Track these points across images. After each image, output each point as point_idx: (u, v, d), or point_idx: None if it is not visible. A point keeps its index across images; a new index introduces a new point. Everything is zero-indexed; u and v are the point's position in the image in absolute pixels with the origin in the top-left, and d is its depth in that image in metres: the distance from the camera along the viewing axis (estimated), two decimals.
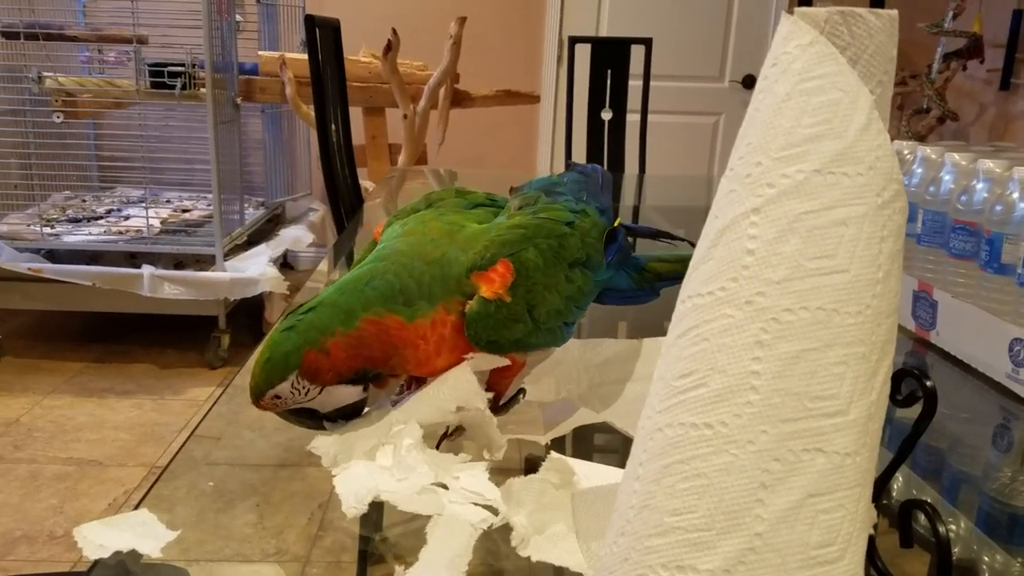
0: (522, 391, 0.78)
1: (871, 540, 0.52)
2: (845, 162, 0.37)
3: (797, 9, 0.40)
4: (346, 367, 0.67)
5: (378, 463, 0.64)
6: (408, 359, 0.69)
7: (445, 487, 0.62)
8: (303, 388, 0.66)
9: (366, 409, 0.72)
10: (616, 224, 0.82)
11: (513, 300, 0.69)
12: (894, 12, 0.39)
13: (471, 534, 0.57)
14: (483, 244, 0.71)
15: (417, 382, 0.76)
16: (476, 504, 0.60)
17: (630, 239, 0.88)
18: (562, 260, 0.73)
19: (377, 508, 0.61)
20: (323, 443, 0.67)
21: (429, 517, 0.59)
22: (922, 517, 0.57)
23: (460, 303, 0.69)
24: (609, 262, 0.79)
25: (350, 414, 0.71)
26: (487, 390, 0.75)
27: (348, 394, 0.69)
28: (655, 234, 0.93)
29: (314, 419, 0.70)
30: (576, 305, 0.75)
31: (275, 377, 0.66)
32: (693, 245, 0.84)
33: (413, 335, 0.68)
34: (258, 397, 0.67)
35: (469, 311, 0.68)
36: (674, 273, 0.87)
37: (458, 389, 0.68)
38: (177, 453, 0.70)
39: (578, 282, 0.74)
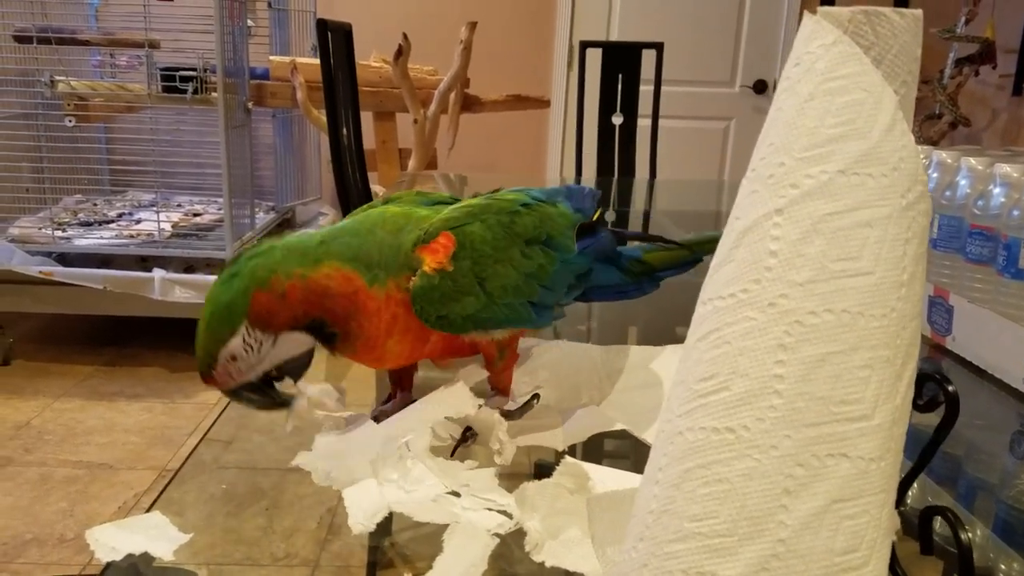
0: (536, 396, 0.77)
1: (892, 547, 0.51)
2: (869, 163, 0.37)
3: (820, 8, 0.39)
4: (302, 311, 0.63)
5: (383, 476, 0.63)
6: (364, 328, 0.66)
7: (457, 495, 0.61)
8: (256, 341, 0.62)
9: (345, 413, 0.70)
10: (595, 217, 0.81)
11: (456, 270, 0.67)
12: (918, 12, 0.39)
13: (487, 544, 0.56)
14: (430, 221, 0.70)
15: (401, 392, 0.76)
16: (490, 509, 0.60)
17: (631, 244, 0.87)
18: (515, 235, 0.71)
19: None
20: (310, 459, 0.65)
21: (440, 523, 0.58)
22: (939, 524, 0.56)
23: (408, 279, 0.67)
24: (585, 250, 0.78)
25: (299, 368, 0.66)
26: (492, 391, 0.75)
27: (300, 342, 0.65)
28: (643, 238, 0.93)
29: (266, 393, 0.65)
30: (542, 284, 0.73)
31: (223, 331, 0.61)
32: (675, 244, 0.85)
33: (371, 302, 0.65)
34: (209, 365, 0.62)
35: (413, 286, 0.66)
36: (676, 261, 0.87)
37: (451, 398, 0.67)
38: (188, 457, 0.70)
39: (538, 260, 0.72)
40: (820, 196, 0.37)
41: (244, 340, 0.61)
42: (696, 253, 0.88)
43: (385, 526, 0.61)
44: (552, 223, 0.75)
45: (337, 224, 0.71)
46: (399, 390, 0.77)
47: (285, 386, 0.66)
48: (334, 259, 0.64)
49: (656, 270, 0.87)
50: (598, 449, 0.75)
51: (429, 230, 0.69)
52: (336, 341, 0.66)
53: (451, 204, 0.77)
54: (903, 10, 0.38)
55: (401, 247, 0.67)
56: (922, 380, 0.46)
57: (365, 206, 0.77)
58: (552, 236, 0.74)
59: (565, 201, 0.80)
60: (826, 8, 0.39)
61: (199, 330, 0.62)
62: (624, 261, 0.85)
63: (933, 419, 0.47)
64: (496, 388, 0.75)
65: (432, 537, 0.61)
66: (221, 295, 0.62)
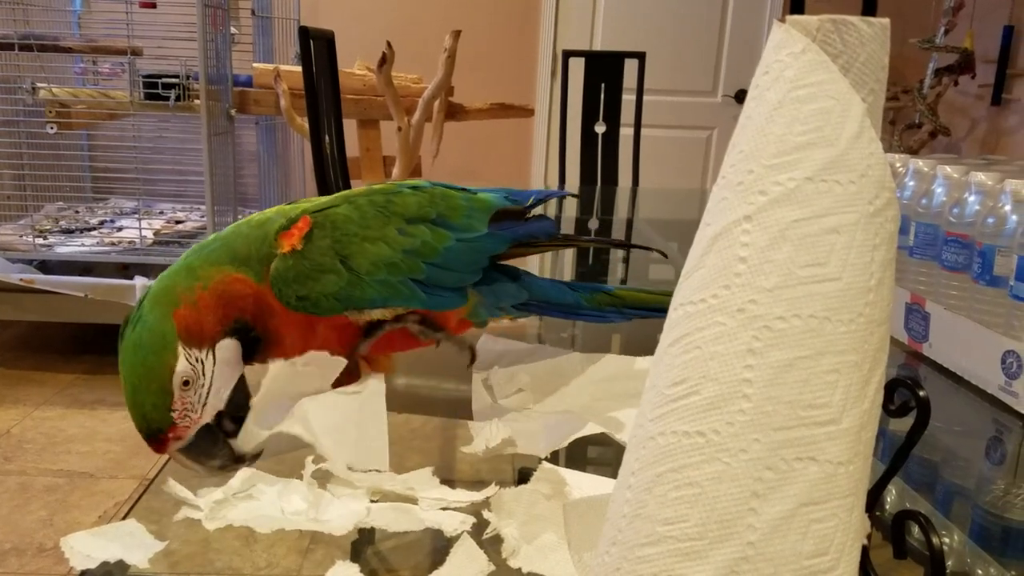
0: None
1: (864, 551, 0.52)
2: (837, 170, 0.37)
3: (789, 17, 0.40)
4: (223, 314, 0.63)
5: (291, 508, 0.61)
6: (276, 324, 0.66)
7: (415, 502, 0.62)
8: (197, 360, 0.61)
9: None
10: (528, 206, 0.81)
11: (311, 249, 0.66)
12: (886, 20, 0.39)
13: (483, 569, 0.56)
14: (297, 209, 0.70)
15: None
16: (446, 508, 0.60)
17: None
18: (391, 214, 0.70)
19: None
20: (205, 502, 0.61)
21: (422, 530, 0.59)
22: (915, 529, 0.57)
23: None
24: (502, 232, 0.76)
25: (241, 399, 0.65)
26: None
27: (232, 347, 0.64)
28: (593, 242, 0.93)
29: (221, 443, 0.64)
30: (428, 262, 0.71)
31: (165, 358, 0.60)
32: (623, 246, 0.86)
33: (265, 299, 0.66)
34: (167, 407, 0.60)
35: (271, 270, 0.66)
36: (650, 304, 0.86)
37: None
38: (164, 464, 0.69)
39: (422, 237, 0.71)
40: (788, 203, 0.37)
41: (187, 360, 0.61)
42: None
43: (368, 535, 0.61)
44: (449, 202, 0.74)
45: (201, 242, 0.70)
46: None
47: (244, 439, 0.64)
48: (219, 263, 0.65)
49: (626, 306, 0.86)
50: (580, 454, 0.75)
51: (291, 216, 0.69)
52: (259, 346, 0.66)
53: None
54: (871, 19, 0.39)
55: (266, 238, 0.67)
56: (893, 385, 0.46)
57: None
58: (446, 215, 0.73)
59: (497, 192, 0.80)
60: (795, 17, 0.39)
61: (135, 386, 0.60)
62: (585, 290, 0.85)
63: (908, 425, 0.48)
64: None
65: (414, 545, 0.61)
66: (142, 334, 0.61)
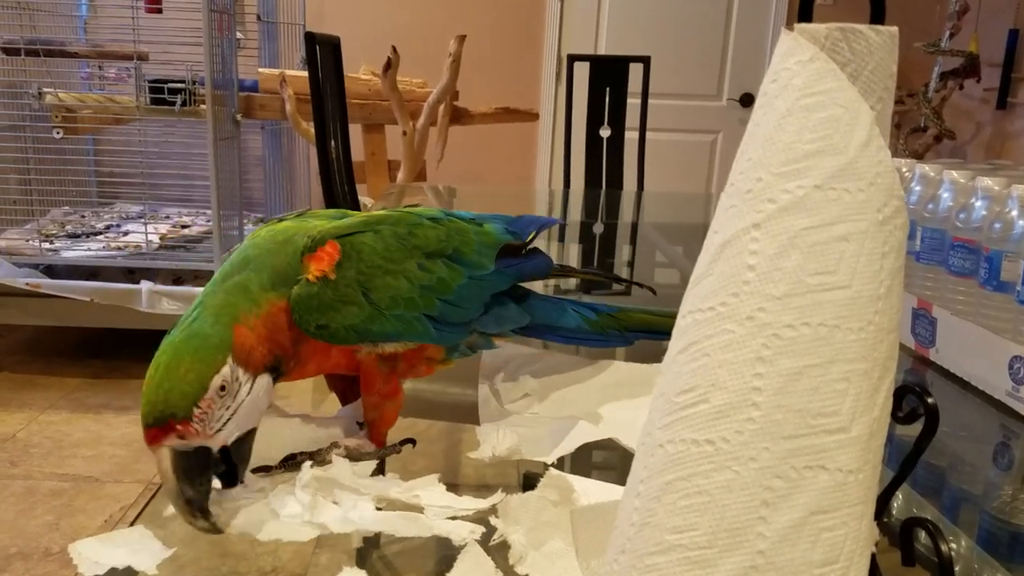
0: (411, 441, 0.72)
1: (873, 558, 0.52)
2: (846, 178, 0.37)
3: (797, 25, 0.40)
4: (269, 348, 0.62)
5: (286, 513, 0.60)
6: (302, 352, 0.65)
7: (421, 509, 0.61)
8: (237, 379, 0.59)
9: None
10: (528, 241, 0.80)
11: (339, 278, 0.65)
12: (894, 29, 0.39)
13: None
14: (319, 229, 0.68)
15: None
16: (454, 518, 0.60)
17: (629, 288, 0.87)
18: (413, 248, 0.69)
19: None
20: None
21: (428, 536, 0.59)
22: (923, 535, 0.57)
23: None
24: (507, 269, 0.76)
25: (247, 450, 0.62)
26: (362, 426, 0.72)
27: (267, 387, 0.62)
28: (593, 275, 0.90)
29: (207, 483, 0.58)
30: (442, 299, 0.70)
31: (216, 356, 0.58)
32: (618, 280, 0.83)
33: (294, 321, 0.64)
34: (194, 399, 0.56)
35: (293, 294, 0.64)
36: (655, 327, 0.85)
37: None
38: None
39: (440, 273, 0.70)
40: (797, 211, 0.37)
41: (232, 373, 0.58)
42: None
43: (374, 540, 0.61)
44: (463, 237, 0.73)
45: (234, 255, 0.68)
46: (343, 404, 0.76)
47: (248, 485, 0.62)
48: (262, 291, 0.63)
49: (629, 329, 0.85)
50: (586, 460, 0.75)
51: (316, 237, 0.67)
52: (280, 377, 0.65)
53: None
54: (879, 27, 0.39)
55: (294, 257, 0.66)
56: (902, 392, 0.46)
57: (253, 232, 0.74)
58: (461, 251, 0.72)
59: (498, 221, 0.78)
60: (803, 25, 0.39)
61: (170, 367, 0.57)
62: (588, 311, 0.84)
63: (916, 431, 0.47)
64: (369, 428, 0.71)
65: (420, 550, 0.61)
66: (198, 333, 0.59)
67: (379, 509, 0.61)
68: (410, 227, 0.70)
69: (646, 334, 0.86)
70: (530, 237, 0.81)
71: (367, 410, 0.70)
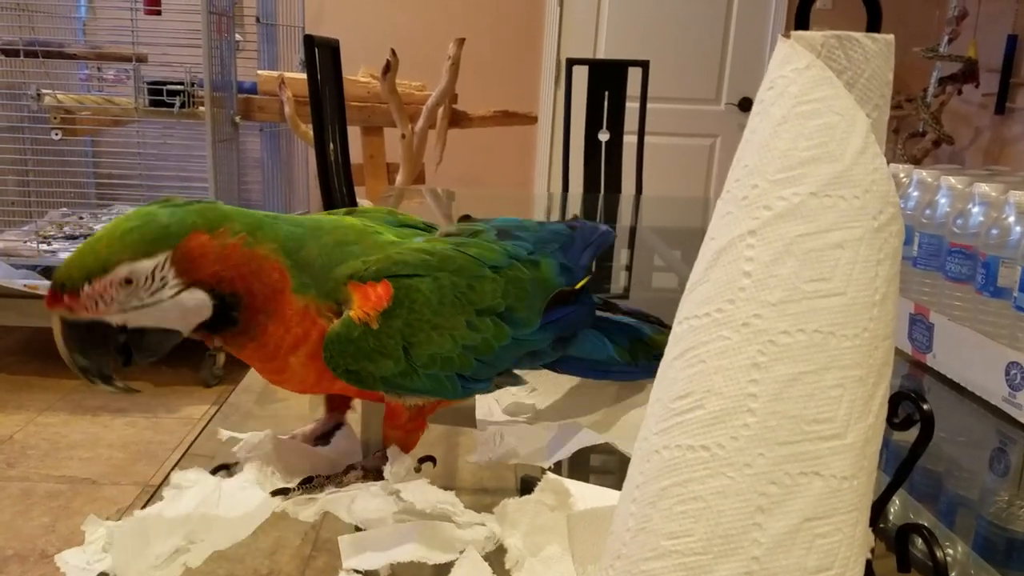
0: (431, 460, 0.69)
1: (868, 564, 0.52)
2: (841, 185, 0.37)
3: (794, 33, 0.40)
4: (228, 276, 0.57)
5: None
6: (269, 330, 0.59)
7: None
8: (161, 280, 0.55)
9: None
10: (579, 287, 0.71)
11: (382, 329, 0.59)
12: (890, 36, 0.39)
13: None
14: (377, 255, 0.62)
15: (329, 413, 0.72)
16: (472, 524, 0.60)
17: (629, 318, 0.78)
18: (467, 303, 0.63)
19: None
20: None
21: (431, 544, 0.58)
22: (919, 541, 0.57)
23: (330, 309, 0.60)
24: (549, 324, 0.68)
25: (159, 345, 0.58)
26: (380, 448, 0.67)
27: (197, 306, 0.57)
28: (633, 314, 0.80)
29: (104, 350, 0.56)
30: (479, 359, 0.64)
31: (140, 247, 0.54)
32: (662, 324, 0.77)
33: (288, 308, 0.59)
34: (87, 277, 0.53)
35: (330, 330, 0.59)
36: None
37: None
38: (171, 472, 0.69)
39: (487, 333, 0.64)
40: (793, 218, 0.37)
41: (154, 270, 0.54)
42: None
43: None
44: (519, 291, 0.66)
45: (303, 216, 0.64)
46: (329, 410, 0.73)
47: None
48: (276, 243, 0.59)
49: (656, 356, 0.75)
50: (584, 465, 0.75)
51: (371, 267, 0.61)
52: (232, 328, 0.59)
53: (423, 231, 0.70)
54: (875, 35, 0.39)
55: (337, 269, 0.61)
56: (897, 399, 0.46)
57: (325, 212, 0.70)
58: (513, 308, 0.65)
59: (555, 255, 0.70)
60: (799, 32, 0.40)
61: (101, 234, 0.54)
62: (621, 338, 0.76)
63: (912, 437, 0.48)
64: (389, 445, 0.67)
65: None
66: (159, 214, 0.55)
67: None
68: (470, 280, 0.63)
69: None
70: (584, 279, 0.72)
71: (387, 437, 0.67)
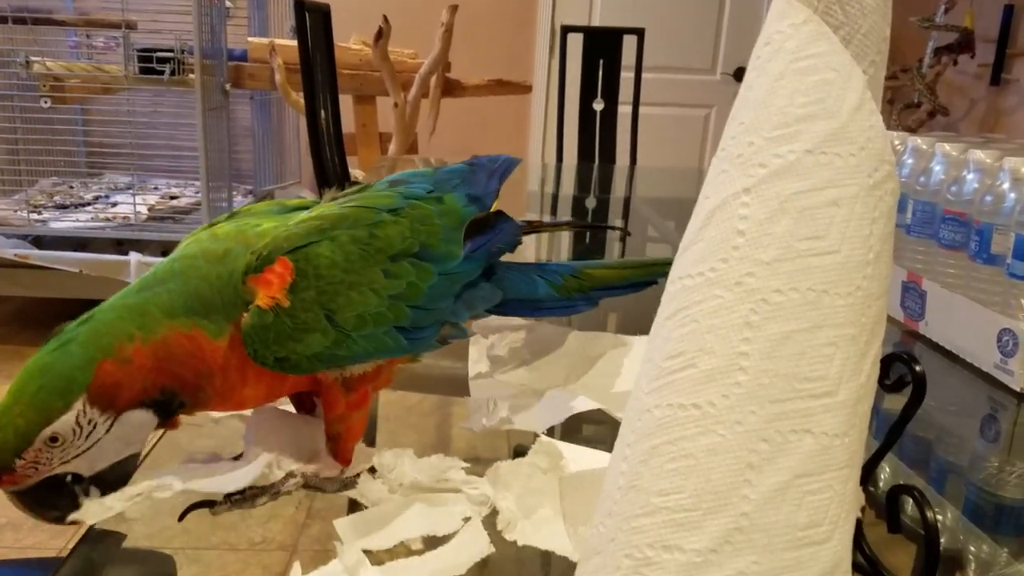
0: (371, 470, 0.64)
1: (859, 525, 0.52)
2: (837, 142, 0.37)
3: None
4: (151, 382, 0.54)
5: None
6: (217, 388, 0.57)
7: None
8: (90, 422, 0.52)
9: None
10: (493, 211, 0.70)
11: (295, 305, 0.56)
12: None
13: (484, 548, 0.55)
14: (263, 241, 0.58)
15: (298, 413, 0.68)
16: (463, 490, 0.60)
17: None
18: (377, 252, 0.60)
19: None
20: None
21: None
22: (910, 506, 0.57)
23: (242, 316, 0.56)
24: (476, 252, 0.67)
25: (121, 476, 0.56)
26: (327, 448, 0.63)
27: (140, 424, 0.55)
28: (558, 226, 0.83)
29: (66, 495, 0.54)
30: (412, 305, 0.61)
31: (53, 406, 0.51)
32: (588, 227, 0.78)
33: (218, 357, 0.56)
34: (17, 452, 0.50)
35: (244, 326, 0.56)
36: (623, 281, 0.80)
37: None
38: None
39: (409, 276, 0.61)
40: (788, 175, 0.37)
41: (77, 419, 0.51)
42: (651, 275, 0.82)
43: (362, 510, 0.61)
44: (429, 227, 0.64)
45: (152, 269, 0.60)
46: (299, 412, 0.69)
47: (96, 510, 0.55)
48: (177, 313, 0.55)
49: (594, 288, 0.79)
50: (576, 431, 0.75)
51: (262, 254, 0.57)
52: (184, 408, 0.57)
53: (308, 208, 0.66)
54: None
55: (231, 278, 0.57)
56: (890, 360, 0.46)
57: (189, 235, 0.64)
58: (428, 244, 0.63)
59: (458, 188, 0.69)
60: None
61: (9, 403, 0.51)
62: (554, 275, 0.77)
63: (902, 402, 0.48)
64: (332, 443, 0.62)
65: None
66: (55, 363, 0.52)
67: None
68: (370, 228, 0.60)
69: (609, 291, 0.80)
70: (494, 204, 0.72)
71: (330, 425, 0.62)
